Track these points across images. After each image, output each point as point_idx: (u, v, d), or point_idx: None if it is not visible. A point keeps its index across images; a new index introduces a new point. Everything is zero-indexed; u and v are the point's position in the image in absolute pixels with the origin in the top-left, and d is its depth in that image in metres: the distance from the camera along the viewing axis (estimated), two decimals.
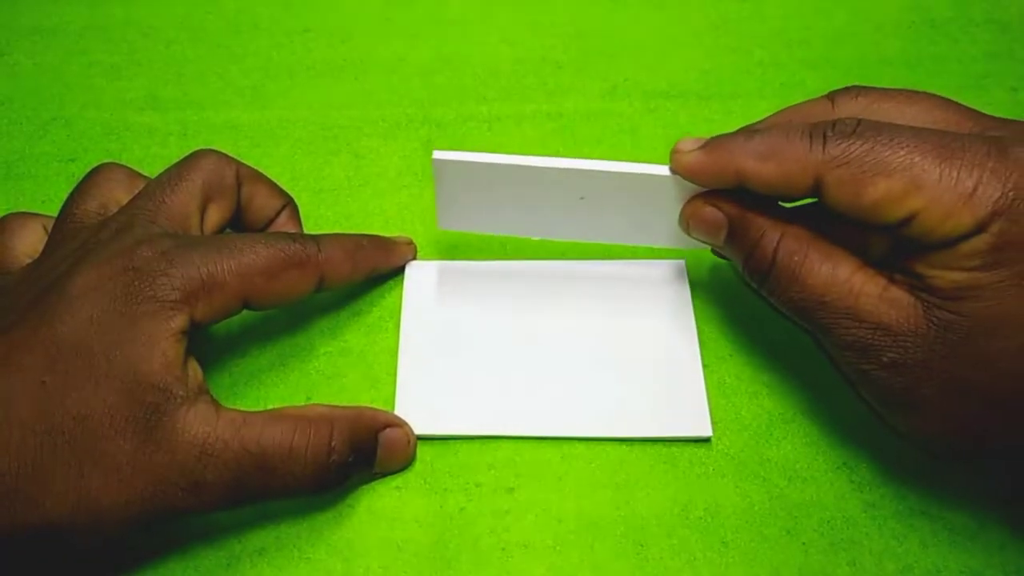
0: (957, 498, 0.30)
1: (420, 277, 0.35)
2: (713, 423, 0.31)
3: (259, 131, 0.40)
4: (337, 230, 0.37)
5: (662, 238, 0.33)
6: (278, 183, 0.34)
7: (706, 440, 0.31)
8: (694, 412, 0.31)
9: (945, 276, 0.25)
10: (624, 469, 0.31)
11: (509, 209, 0.32)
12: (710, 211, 0.29)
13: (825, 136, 0.25)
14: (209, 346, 0.33)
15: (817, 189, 0.26)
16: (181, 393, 0.25)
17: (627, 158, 0.39)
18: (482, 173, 0.31)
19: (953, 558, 0.29)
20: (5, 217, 0.31)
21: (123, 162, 0.39)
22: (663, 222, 0.32)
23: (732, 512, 0.30)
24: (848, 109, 0.28)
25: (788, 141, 0.26)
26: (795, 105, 0.30)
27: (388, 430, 0.29)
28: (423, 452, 0.31)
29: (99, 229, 0.28)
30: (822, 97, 0.29)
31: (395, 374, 0.32)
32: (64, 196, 0.38)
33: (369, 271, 0.33)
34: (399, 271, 0.35)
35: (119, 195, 0.30)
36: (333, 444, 0.27)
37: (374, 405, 0.32)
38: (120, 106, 0.41)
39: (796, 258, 0.27)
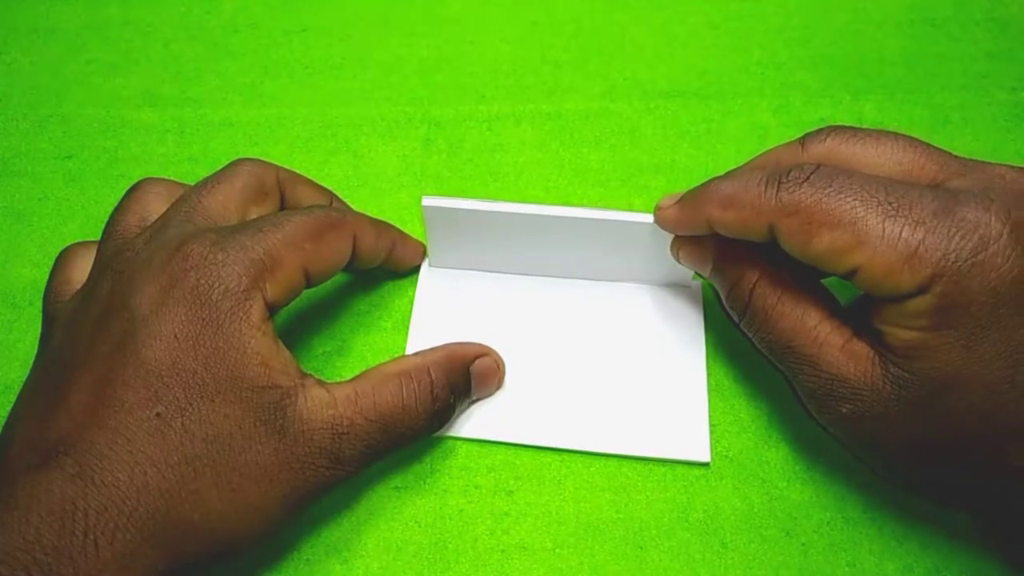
0: None
1: (433, 282, 0.34)
2: (712, 424, 0.31)
3: (257, 129, 0.40)
4: None
5: (645, 278, 0.34)
6: (316, 181, 0.33)
7: (704, 465, 0.31)
8: (694, 435, 0.31)
9: (896, 334, 0.24)
10: (623, 472, 0.31)
11: (499, 250, 0.33)
12: (698, 245, 0.30)
13: (779, 183, 0.25)
14: None
15: (772, 236, 0.26)
16: (290, 383, 0.26)
17: (626, 158, 0.39)
18: (470, 219, 0.31)
19: (953, 558, 0.29)
20: (65, 249, 0.30)
21: (120, 160, 0.39)
22: (646, 264, 0.33)
23: (731, 514, 0.30)
24: (815, 152, 0.28)
25: (746, 188, 0.26)
26: (770, 149, 0.30)
27: (478, 361, 0.30)
28: (423, 453, 0.31)
29: (136, 239, 0.28)
30: (795, 140, 0.29)
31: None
32: (61, 194, 0.38)
33: (390, 246, 0.32)
34: (405, 275, 0.35)
35: (158, 206, 0.29)
36: (436, 391, 0.28)
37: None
38: (117, 104, 0.41)
39: (769, 301, 0.27)
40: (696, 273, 0.32)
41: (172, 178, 0.31)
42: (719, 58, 0.43)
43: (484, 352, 0.31)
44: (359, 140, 0.40)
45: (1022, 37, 0.44)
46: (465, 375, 0.30)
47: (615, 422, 0.31)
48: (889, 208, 0.24)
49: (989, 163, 0.26)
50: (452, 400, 0.29)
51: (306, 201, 0.32)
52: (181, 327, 0.25)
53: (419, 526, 0.29)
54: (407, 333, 0.33)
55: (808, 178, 0.25)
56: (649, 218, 0.30)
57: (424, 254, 0.35)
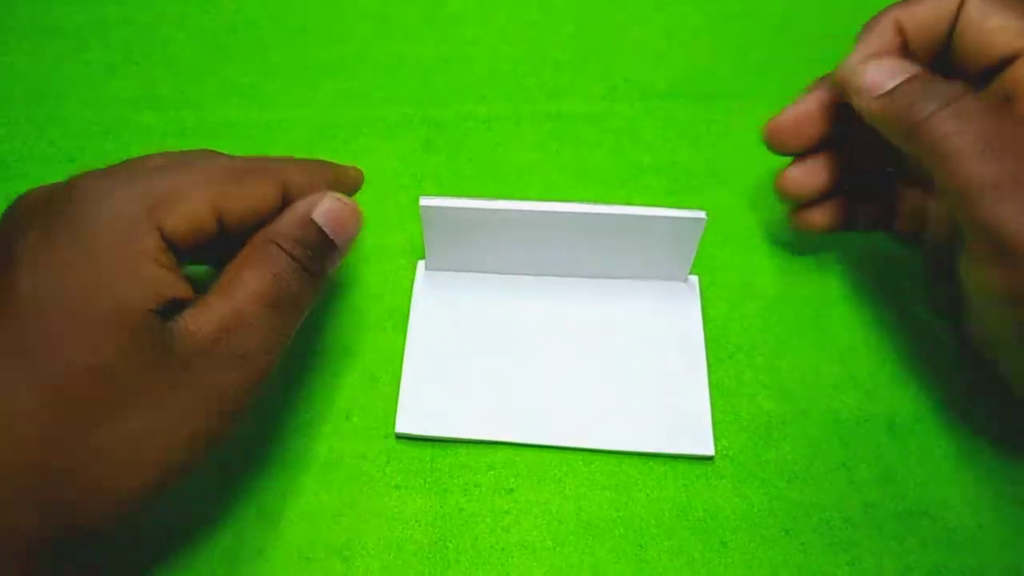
0: (957, 498, 0.30)
1: (430, 284, 0.34)
2: (712, 424, 0.31)
3: (257, 130, 0.40)
4: None
5: (642, 274, 0.34)
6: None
7: (708, 458, 0.31)
8: (697, 429, 0.31)
9: None
10: (623, 470, 0.31)
11: (496, 250, 0.33)
12: (891, 59, 0.29)
13: None
14: None
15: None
16: (174, 305, 0.24)
17: (626, 158, 0.39)
18: (468, 217, 0.31)
19: (953, 558, 0.29)
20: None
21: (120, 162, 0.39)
22: (644, 259, 0.33)
23: (731, 513, 0.30)
24: None
25: None
26: None
27: (319, 210, 0.28)
28: (423, 452, 0.31)
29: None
30: None
31: (394, 374, 0.32)
32: None
33: (329, 183, 0.30)
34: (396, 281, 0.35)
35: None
36: (293, 253, 0.26)
37: (376, 403, 0.32)
38: (118, 106, 0.41)
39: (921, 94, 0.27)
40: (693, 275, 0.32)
41: None
42: (719, 58, 0.43)
43: (317, 198, 0.28)
44: (359, 141, 0.40)
45: None
46: (314, 229, 0.27)
47: (617, 419, 0.31)
48: None
49: None
50: (311, 256, 0.27)
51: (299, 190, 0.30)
52: (63, 255, 0.23)
53: (419, 525, 0.29)
54: (407, 332, 0.33)
55: None
56: (647, 211, 0.30)
57: (362, 180, 0.33)
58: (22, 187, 0.38)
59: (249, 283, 0.25)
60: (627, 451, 0.31)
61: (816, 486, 0.30)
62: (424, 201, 0.31)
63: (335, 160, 0.39)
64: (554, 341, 0.33)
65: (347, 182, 0.31)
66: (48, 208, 0.24)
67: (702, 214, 0.31)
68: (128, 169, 0.25)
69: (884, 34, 0.30)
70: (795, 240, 0.36)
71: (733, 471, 0.31)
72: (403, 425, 0.31)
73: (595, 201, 0.31)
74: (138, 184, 0.24)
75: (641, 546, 0.29)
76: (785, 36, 0.44)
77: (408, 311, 0.34)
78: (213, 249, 0.27)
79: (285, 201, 0.28)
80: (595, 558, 0.29)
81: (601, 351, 0.33)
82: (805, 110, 0.32)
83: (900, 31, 0.29)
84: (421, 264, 0.35)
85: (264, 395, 0.32)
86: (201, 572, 0.28)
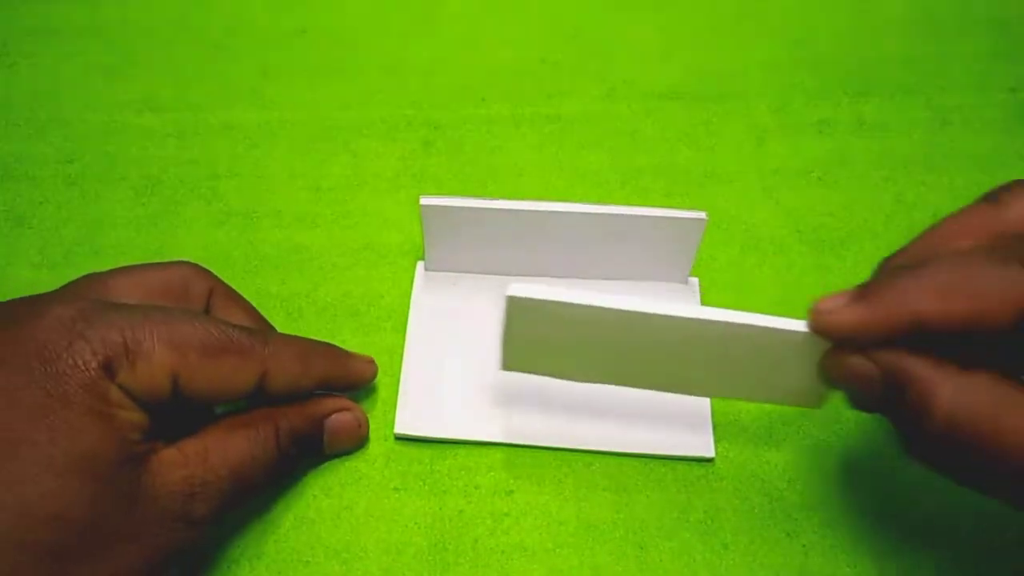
0: (959, 500, 0.30)
1: (430, 283, 0.34)
2: (712, 426, 0.31)
3: (257, 132, 0.40)
4: (335, 230, 0.37)
5: (643, 275, 0.34)
6: (256, 308, 0.31)
7: (709, 460, 0.31)
8: (698, 432, 0.31)
9: None
10: (623, 472, 0.30)
11: (495, 250, 0.33)
12: (859, 362, 0.23)
13: (1022, 260, 0.21)
14: None
15: (1017, 324, 0.21)
16: (143, 451, 0.24)
17: (626, 160, 0.39)
18: (469, 217, 0.31)
19: (954, 559, 0.29)
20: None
21: (120, 164, 0.39)
22: (644, 259, 0.33)
23: (732, 515, 0.30)
24: (1018, 211, 0.23)
25: (973, 270, 0.21)
26: (946, 220, 0.24)
27: (335, 416, 0.29)
28: (422, 454, 0.31)
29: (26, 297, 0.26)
30: (979, 201, 0.24)
31: (393, 374, 0.32)
32: (61, 197, 0.38)
33: (320, 380, 0.29)
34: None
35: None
36: (280, 443, 0.27)
37: (375, 404, 0.32)
38: (118, 107, 0.41)
39: (986, 423, 0.21)
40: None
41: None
42: (718, 59, 0.43)
43: (344, 407, 0.30)
44: (358, 142, 0.40)
45: (1022, 37, 0.44)
46: (316, 429, 0.29)
47: (618, 421, 0.31)
48: None
49: None
50: (294, 451, 0.28)
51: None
52: (22, 395, 0.22)
53: (419, 527, 0.29)
54: (406, 334, 0.33)
55: None
56: (647, 211, 0.30)
57: (375, 372, 0.32)
58: (22, 188, 0.38)
59: (230, 454, 0.26)
60: (628, 453, 0.31)
61: (817, 487, 0.30)
62: (424, 200, 0.31)
63: (333, 160, 0.39)
64: None
65: (351, 377, 0.30)
66: (20, 328, 0.23)
67: (702, 214, 0.31)
68: (106, 311, 0.24)
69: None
70: (795, 240, 0.36)
71: (734, 472, 0.30)
72: (402, 426, 0.31)
73: (595, 202, 0.31)
74: (105, 330, 0.24)
75: (641, 548, 0.29)
76: (785, 37, 0.44)
77: (408, 311, 0.34)
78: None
79: (262, 384, 0.27)
80: (595, 560, 0.29)
81: None
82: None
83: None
84: (420, 265, 0.35)
85: (263, 395, 0.32)
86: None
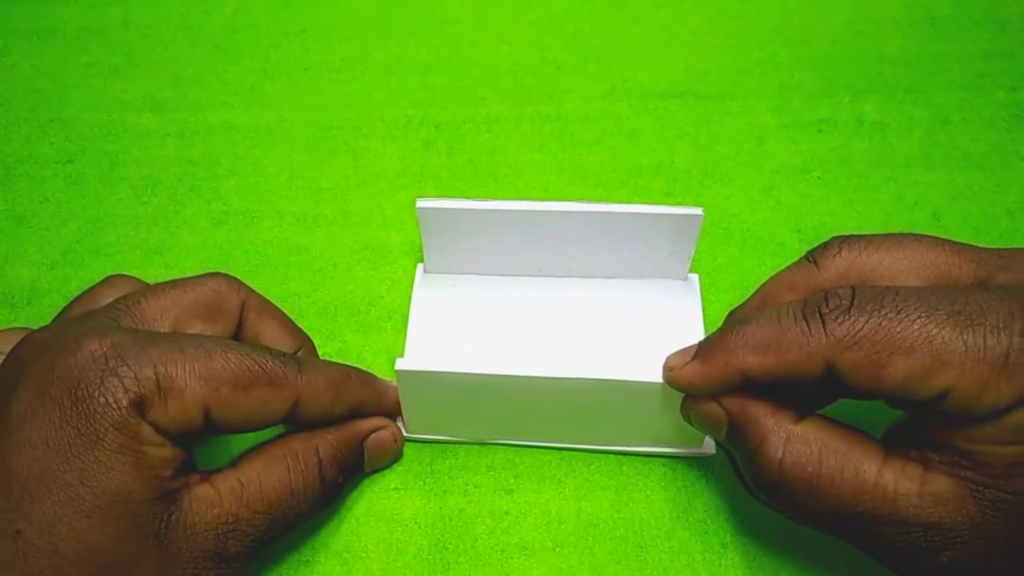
0: None
1: (430, 284, 0.34)
2: None
3: (257, 132, 0.40)
4: (335, 230, 0.37)
5: (642, 272, 0.34)
6: (295, 322, 0.30)
7: (709, 457, 0.31)
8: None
9: (993, 452, 0.22)
10: (623, 471, 0.30)
11: (493, 251, 0.33)
12: (709, 405, 0.26)
13: (822, 315, 0.23)
14: None
15: (830, 374, 0.23)
16: (176, 487, 0.23)
17: (626, 159, 0.39)
18: (465, 219, 0.31)
19: (954, 558, 0.29)
20: (111, 277, 0.29)
21: (121, 163, 0.39)
22: (644, 256, 0.33)
23: (731, 514, 0.30)
24: (833, 269, 0.25)
25: (783, 328, 0.23)
26: (775, 276, 0.27)
27: (373, 435, 0.29)
28: (422, 454, 0.31)
29: (52, 326, 0.26)
30: (801, 260, 0.26)
31: (394, 375, 0.32)
32: (62, 197, 0.38)
33: (353, 408, 0.28)
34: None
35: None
36: (324, 471, 0.27)
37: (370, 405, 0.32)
38: (118, 107, 0.41)
39: (809, 468, 0.23)
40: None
41: (142, 277, 0.30)
42: (718, 59, 0.43)
43: (381, 425, 0.29)
44: (359, 142, 0.40)
45: (1022, 37, 0.44)
46: (357, 451, 0.28)
47: (618, 419, 0.31)
48: (961, 319, 0.21)
49: (1020, 249, 0.24)
50: (341, 479, 0.28)
51: (267, 339, 0.29)
52: (55, 434, 0.22)
53: (419, 526, 0.29)
54: (406, 334, 0.33)
55: (853, 304, 0.22)
56: (645, 209, 0.30)
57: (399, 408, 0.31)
58: (22, 188, 0.38)
59: (266, 487, 0.25)
60: (628, 451, 0.31)
61: None
62: (421, 203, 0.31)
63: (334, 160, 0.39)
64: (554, 342, 0.33)
65: (383, 403, 0.29)
66: (51, 365, 0.23)
67: (699, 211, 0.31)
68: (140, 345, 0.24)
69: None
70: (795, 240, 0.36)
71: (733, 472, 0.30)
72: (403, 429, 0.31)
73: (592, 200, 0.31)
74: (139, 368, 0.23)
75: (641, 547, 0.29)
76: (784, 36, 0.44)
77: (408, 312, 0.34)
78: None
79: (294, 412, 0.26)
80: (595, 559, 0.29)
81: (602, 351, 0.33)
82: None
83: None
84: (420, 267, 0.35)
85: (295, 422, 0.32)
86: None
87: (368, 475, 0.30)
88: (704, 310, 0.34)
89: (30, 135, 0.40)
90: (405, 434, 0.31)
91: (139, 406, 0.23)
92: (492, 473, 0.30)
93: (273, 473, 0.25)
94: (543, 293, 0.34)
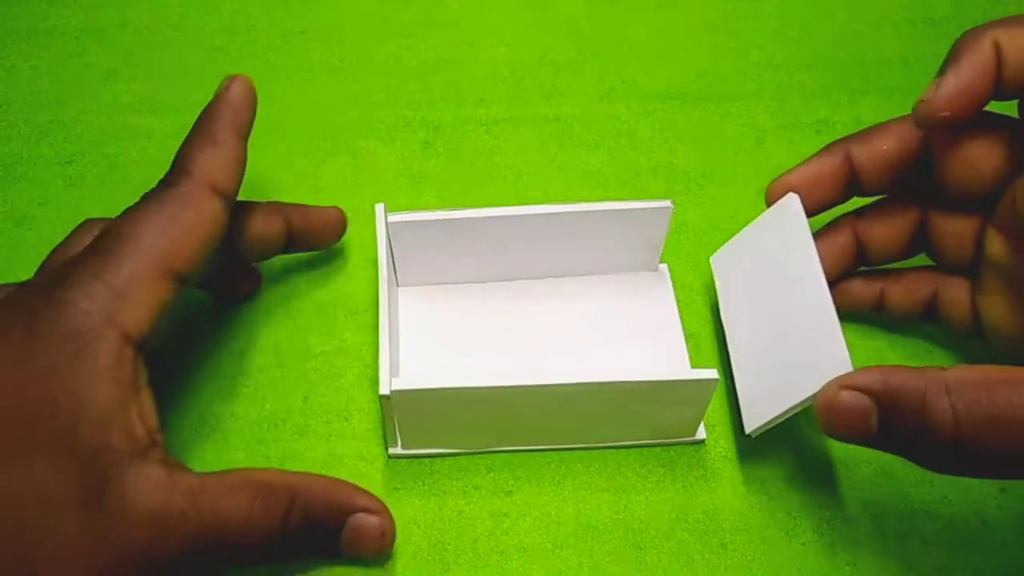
0: (958, 496, 0.30)
1: (404, 297, 0.34)
2: (710, 425, 0.31)
3: (256, 133, 0.40)
4: None
5: (613, 267, 0.34)
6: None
7: (700, 443, 0.31)
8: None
9: None
10: (622, 472, 0.31)
11: (464, 260, 0.33)
12: (848, 396, 0.23)
13: None
14: (204, 348, 0.33)
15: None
16: (127, 450, 0.22)
17: (625, 160, 0.39)
18: (433, 230, 0.32)
19: (954, 557, 0.29)
20: (85, 221, 0.29)
21: (120, 165, 0.39)
22: (614, 251, 0.33)
23: (731, 514, 0.30)
24: None
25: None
26: None
27: (360, 515, 0.26)
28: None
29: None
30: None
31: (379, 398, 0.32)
32: (61, 198, 0.38)
33: (286, 220, 0.31)
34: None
35: None
36: (288, 517, 0.24)
37: (374, 405, 0.32)
38: (117, 109, 0.41)
39: (985, 402, 0.21)
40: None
41: None
42: (717, 60, 0.43)
43: (374, 509, 0.26)
44: (357, 143, 0.40)
45: None
46: (336, 519, 0.26)
47: (609, 415, 0.31)
48: None
49: None
50: (304, 535, 0.25)
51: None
52: (13, 373, 0.22)
53: (418, 527, 0.29)
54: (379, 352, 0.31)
55: None
56: (613, 205, 0.31)
57: (344, 220, 0.34)
58: (22, 190, 0.38)
59: (223, 503, 0.23)
60: (621, 446, 0.31)
61: (816, 486, 0.30)
62: (391, 218, 0.31)
63: (332, 161, 0.39)
64: (536, 345, 0.33)
65: (317, 224, 0.32)
66: (16, 310, 0.23)
67: (667, 203, 0.31)
68: (82, 265, 0.24)
69: (980, 57, 0.26)
70: None
71: (732, 472, 0.31)
72: (396, 449, 0.30)
73: (559, 202, 0.31)
74: (88, 286, 0.23)
75: (640, 548, 0.29)
76: (783, 37, 0.44)
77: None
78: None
79: (243, 238, 0.26)
80: (594, 560, 0.29)
81: (583, 349, 0.33)
82: (817, 172, 0.30)
83: (998, 53, 0.26)
84: (384, 281, 0.30)
85: (262, 395, 0.32)
86: None
87: (341, 563, 0.28)
88: (704, 311, 0.34)
89: (29, 136, 0.40)
90: (401, 451, 0.30)
91: (110, 318, 0.23)
92: (491, 474, 0.30)
93: (238, 495, 0.24)
94: (518, 296, 0.34)
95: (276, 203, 0.32)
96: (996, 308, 0.29)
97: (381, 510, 0.27)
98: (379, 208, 0.31)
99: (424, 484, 0.30)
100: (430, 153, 0.40)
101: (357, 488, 0.27)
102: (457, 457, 0.31)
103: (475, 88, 0.42)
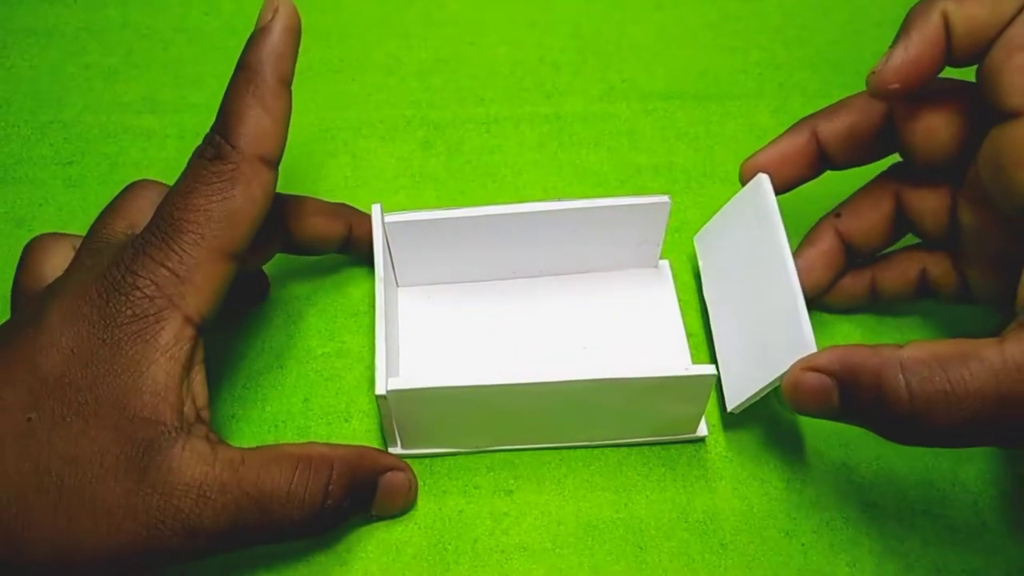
0: (958, 497, 0.30)
1: (403, 298, 0.34)
2: (710, 425, 0.31)
3: None
4: None
5: (612, 264, 0.34)
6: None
7: (700, 440, 0.31)
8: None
9: None
10: (623, 472, 0.31)
11: (463, 259, 0.33)
12: (810, 377, 0.25)
13: None
14: (206, 350, 0.33)
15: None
16: (175, 424, 0.24)
17: (625, 159, 0.39)
18: (431, 230, 0.31)
19: (954, 557, 0.29)
20: (36, 237, 0.29)
21: (121, 165, 0.39)
22: (611, 248, 0.33)
23: (731, 514, 0.30)
24: None
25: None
26: None
27: (389, 474, 0.28)
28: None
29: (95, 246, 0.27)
30: None
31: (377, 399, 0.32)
32: (62, 199, 0.38)
33: (346, 224, 0.33)
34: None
35: (150, 212, 0.27)
36: (330, 488, 0.26)
37: (375, 406, 0.32)
38: (118, 109, 0.41)
39: (936, 379, 0.22)
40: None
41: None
42: (717, 59, 0.43)
43: (399, 467, 0.29)
44: (357, 143, 0.40)
45: None
46: (370, 483, 0.28)
47: (610, 413, 0.31)
48: None
49: None
50: (347, 504, 0.26)
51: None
52: (81, 343, 0.24)
53: (418, 527, 0.29)
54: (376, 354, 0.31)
55: None
56: (610, 202, 0.31)
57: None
58: (22, 191, 0.38)
59: (265, 475, 0.25)
60: (622, 444, 0.31)
61: (816, 486, 0.30)
62: (388, 218, 0.31)
63: (333, 161, 0.39)
64: (536, 343, 0.33)
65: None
66: (85, 286, 0.24)
67: (665, 198, 0.31)
68: (147, 252, 0.25)
69: (928, 28, 0.26)
70: (792, 238, 0.36)
71: (732, 472, 0.31)
72: (396, 449, 0.31)
73: (557, 198, 0.31)
74: (150, 269, 0.24)
75: (641, 548, 0.29)
76: (783, 36, 0.44)
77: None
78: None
79: (289, 229, 0.28)
80: (594, 560, 0.29)
81: (584, 346, 0.33)
82: (785, 151, 0.31)
83: (946, 23, 0.26)
84: (380, 283, 0.30)
85: (263, 396, 0.32)
86: None
87: (372, 519, 0.29)
88: (698, 306, 0.34)
89: (29, 136, 0.40)
90: (401, 451, 0.30)
91: (172, 301, 0.24)
92: (491, 474, 0.31)
93: (279, 466, 0.25)
94: (519, 295, 0.34)
95: (343, 206, 0.33)
96: (980, 274, 0.29)
97: (405, 467, 0.29)
98: (375, 208, 0.31)
99: (424, 484, 0.30)
100: (430, 153, 0.40)
101: (379, 450, 0.29)
102: (457, 457, 0.31)
103: (475, 87, 0.42)
